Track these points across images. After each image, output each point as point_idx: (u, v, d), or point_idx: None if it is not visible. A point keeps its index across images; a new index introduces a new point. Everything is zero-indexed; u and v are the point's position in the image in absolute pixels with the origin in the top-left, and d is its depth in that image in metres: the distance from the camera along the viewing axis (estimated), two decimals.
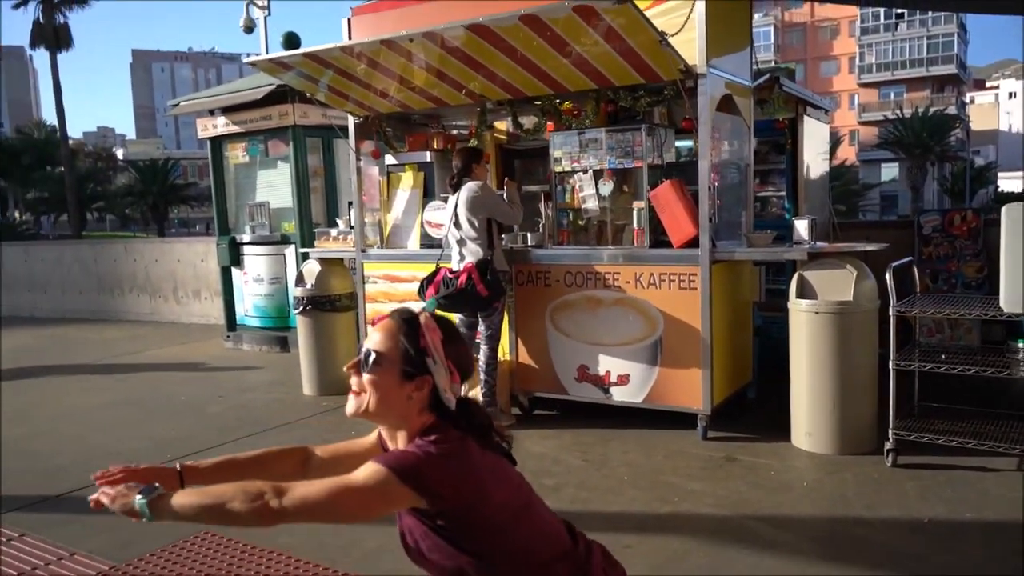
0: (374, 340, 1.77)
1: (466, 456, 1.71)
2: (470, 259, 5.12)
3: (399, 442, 1.80)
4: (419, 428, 1.75)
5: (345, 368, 1.79)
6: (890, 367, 4.15)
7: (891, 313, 4.14)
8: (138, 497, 1.62)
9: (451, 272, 5.15)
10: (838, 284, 4.41)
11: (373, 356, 1.75)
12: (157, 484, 1.68)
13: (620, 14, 4.12)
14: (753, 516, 3.67)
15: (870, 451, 4.38)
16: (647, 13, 4.31)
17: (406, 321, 1.78)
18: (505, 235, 5.71)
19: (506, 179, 5.63)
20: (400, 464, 1.64)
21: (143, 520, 1.64)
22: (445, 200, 5.54)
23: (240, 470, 1.84)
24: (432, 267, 5.33)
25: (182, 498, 1.62)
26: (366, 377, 1.75)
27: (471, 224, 5.11)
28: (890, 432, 4.19)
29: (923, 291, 4.71)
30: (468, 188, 5.16)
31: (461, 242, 5.19)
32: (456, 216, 5.18)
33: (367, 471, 1.63)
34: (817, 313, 4.40)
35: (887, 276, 4.18)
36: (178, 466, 1.82)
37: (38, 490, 4.38)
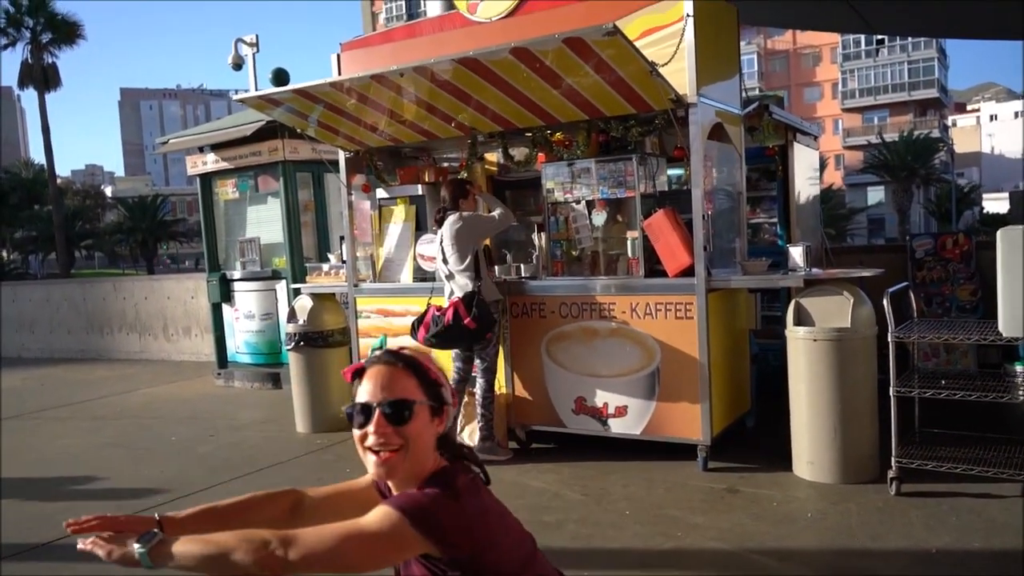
0: (392, 389, 1.66)
1: (478, 499, 1.64)
2: (458, 293, 5.07)
3: (404, 486, 1.71)
4: (432, 471, 1.68)
5: (370, 432, 1.65)
6: (891, 394, 4.11)
7: (890, 339, 4.12)
8: (136, 545, 1.55)
9: (438, 309, 5.10)
10: (835, 310, 4.38)
11: (408, 404, 1.65)
12: (156, 530, 1.61)
13: (610, 45, 4.13)
14: (758, 550, 3.60)
15: (872, 479, 4.33)
16: (637, 44, 4.33)
17: (404, 360, 1.71)
18: (498, 266, 5.68)
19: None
20: (413, 508, 1.56)
21: (142, 568, 1.57)
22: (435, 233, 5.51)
23: (222, 519, 1.74)
24: (424, 305, 5.30)
25: (183, 546, 1.54)
26: (405, 429, 1.64)
27: (456, 257, 5.07)
28: (893, 460, 4.14)
29: (918, 316, 4.69)
30: (449, 221, 5.12)
31: (449, 276, 5.15)
32: (443, 251, 5.14)
33: (378, 516, 1.55)
34: (815, 340, 4.37)
35: (885, 302, 4.16)
36: (156, 516, 1.72)
37: (26, 537, 4.28)
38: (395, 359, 1.71)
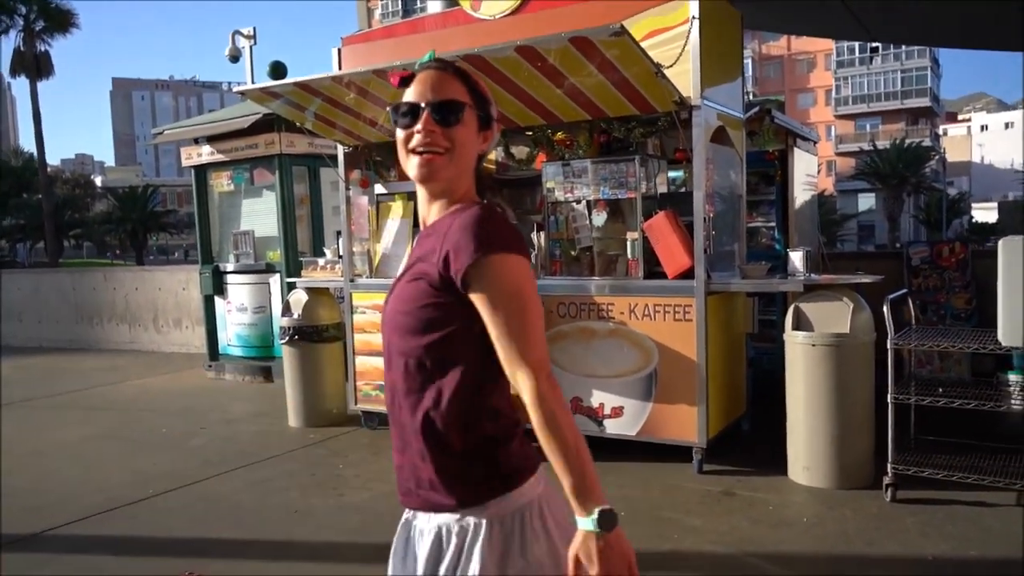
0: (443, 90, 1.55)
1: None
2: None
3: (438, 206, 1.60)
4: (464, 193, 1.60)
5: (416, 131, 1.54)
6: (888, 401, 4.11)
7: (889, 346, 4.12)
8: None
9: None
10: (834, 316, 4.38)
11: (458, 105, 1.54)
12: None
13: (616, 46, 4.12)
14: (756, 553, 3.60)
15: (868, 485, 4.33)
16: (642, 45, 4.32)
17: (455, 68, 1.61)
18: None
19: None
20: (500, 241, 1.46)
21: None
22: None
23: None
24: None
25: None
26: (453, 131, 1.53)
27: None
28: (889, 467, 4.14)
29: (914, 323, 4.71)
30: None
31: None
32: None
33: (499, 271, 1.45)
34: (814, 345, 4.37)
35: (885, 309, 4.16)
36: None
37: (16, 528, 4.23)
38: (446, 65, 1.61)
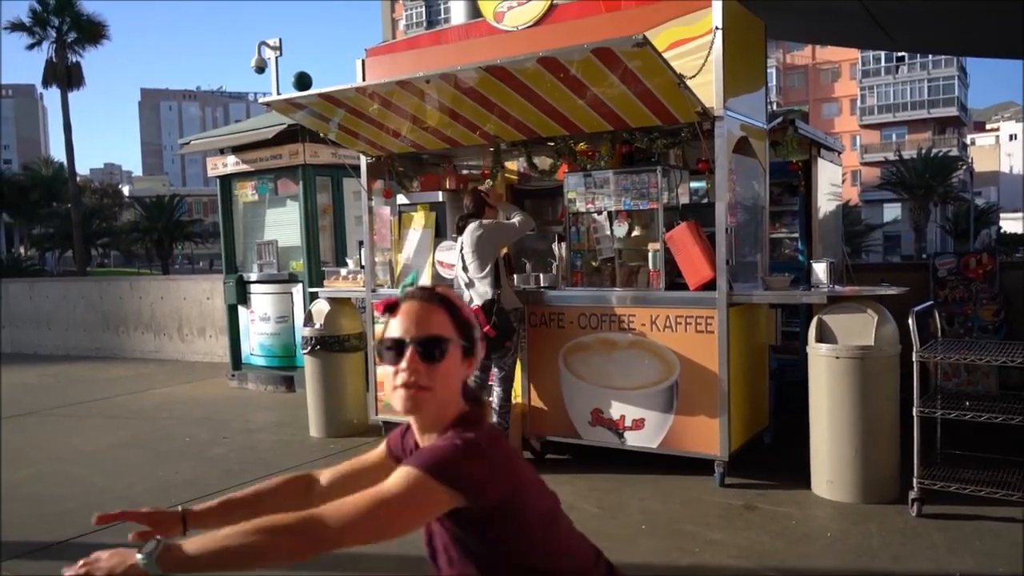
0: (426, 324, 1.61)
1: (502, 444, 1.60)
2: (477, 301, 5.05)
3: (428, 437, 1.66)
4: (455, 417, 1.63)
5: (403, 367, 1.59)
6: (914, 414, 4.05)
7: (914, 359, 4.06)
8: (139, 556, 1.42)
9: None
10: (858, 328, 4.33)
11: (441, 341, 1.60)
12: (158, 537, 1.48)
13: (638, 57, 4.11)
14: (778, 568, 3.55)
15: (893, 500, 4.27)
16: (665, 56, 4.31)
17: (438, 297, 1.66)
18: (517, 275, 5.66)
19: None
20: (436, 462, 1.50)
21: None
22: (455, 241, 5.50)
23: (244, 508, 1.70)
24: None
25: (196, 545, 1.42)
26: (436, 367, 1.59)
27: (477, 264, 5.06)
28: (915, 481, 4.08)
29: (940, 335, 4.64)
30: (470, 229, 5.12)
31: (469, 284, 5.13)
32: (463, 258, 5.13)
33: (400, 477, 1.49)
34: (838, 358, 4.32)
35: (911, 321, 4.11)
36: (180, 509, 1.66)
37: (41, 536, 4.28)
38: (430, 295, 1.66)
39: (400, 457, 1.74)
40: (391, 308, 1.66)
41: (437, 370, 1.59)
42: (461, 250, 5.15)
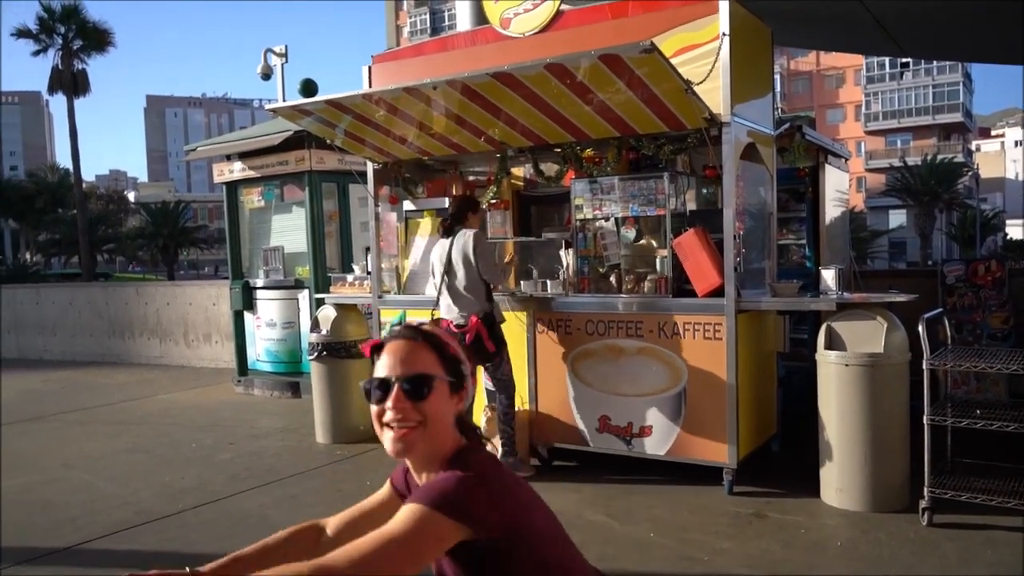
0: (412, 363, 1.61)
1: (503, 474, 1.60)
2: (467, 311, 5.01)
3: (427, 474, 1.65)
4: (452, 451, 1.63)
5: (388, 408, 1.59)
6: (925, 422, 4.03)
7: (925, 366, 4.03)
8: None
9: (456, 327, 4.99)
10: (868, 335, 4.31)
11: (427, 379, 1.59)
12: None
13: (646, 63, 4.10)
14: None
15: (903, 509, 4.24)
16: (672, 62, 4.30)
17: (423, 335, 1.66)
18: (524, 281, 5.65)
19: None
20: (439, 497, 1.49)
21: None
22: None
23: (253, 564, 1.67)
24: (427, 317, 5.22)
25: None
26: (424, 405, 1.59)
27: (468, 273, 5.02)
28: (925, 490, 4.05)
29: (950, 342, 4.61)
30: (464, 235, 5.06)
31: (452, 289, 5.08)
32: (450, 263, 5.09)
33: (406, 516, 1.48)
34: (847, 365, 4.29)
35: (921, 328, 4.08)
36: (187, 570, 1.64)
37: (48, 542, 4.27)
38: (415, 334, 1.66)
39: (405, 494, 1.75)
40: (377, 349, 1.67)
41: (425, 408, 1.59)
42: (449, 255, 5.08)
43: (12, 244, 50.53)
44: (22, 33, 36.51)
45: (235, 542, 4.22)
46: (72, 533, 4.37)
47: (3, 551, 4.13)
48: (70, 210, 46.27)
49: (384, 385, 1.61)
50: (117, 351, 12.13)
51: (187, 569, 1.63)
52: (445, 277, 5.10)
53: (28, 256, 49.80)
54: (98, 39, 37.59)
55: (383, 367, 1.63)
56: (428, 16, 57.42)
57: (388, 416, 1.60)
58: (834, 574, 3.58)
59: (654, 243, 5.24)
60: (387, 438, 1.62)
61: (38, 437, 7.03)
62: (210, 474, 5.55)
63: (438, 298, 5.18)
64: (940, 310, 4.60)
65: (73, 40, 37.14)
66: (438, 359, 1.63)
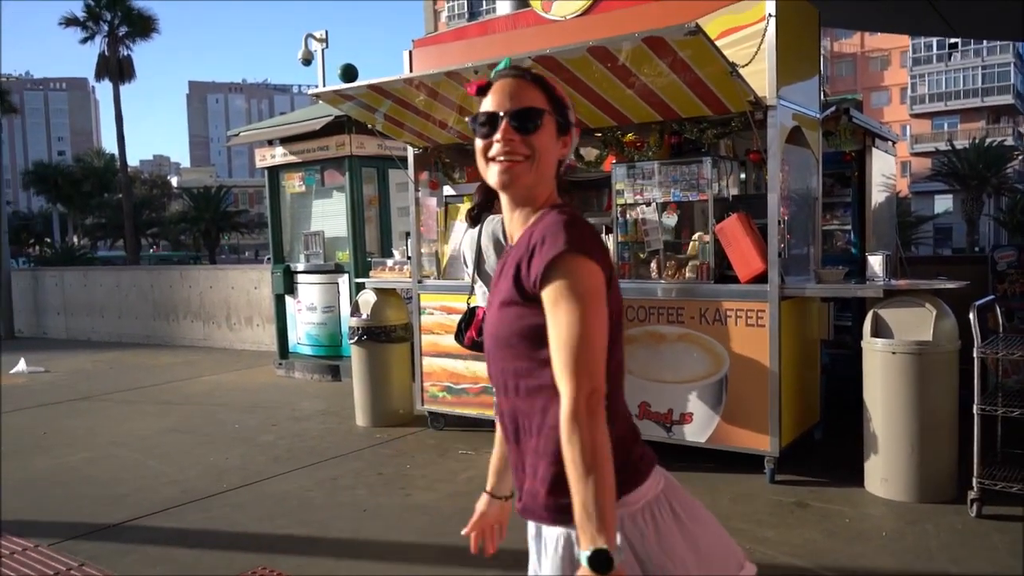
0: (520, 98, 1.54)
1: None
2: None
3: (520, 212, 1.59)
4: (546, 199, 1.58)
5: (495, 141, 1.53)
6: (974, 412, 3.94)
7: (975, 355, 3.95)
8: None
9: None
10: (916, 323, 4.22)
11: (536, 112, 1.53)
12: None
13: (690, 45, 4.04)
14: (833, 568, 3.48)
15: (950, 500, 4.16)
16: (717, 44, 4.23)
17: (531, 74, 1.60)
18: None
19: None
20: (569, 242, 1.42)
21: None
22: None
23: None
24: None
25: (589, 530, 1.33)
26: (532, 138, 1.52)
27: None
28: (974, 480, 3.97)
29: (1001, 331, 4.50)
30: (492, 221, 4.95)
31: (485, 276, 5.00)
32: (480, 250, 5.01)
33: (562, 285, 1.40)
34: (894, 353, 4.21)
35: (972, 316, 3.99)
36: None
37: (98, 518, 4.38)
38: (523, 72, 1.60)
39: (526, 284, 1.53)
40: (483, 89, 1.61)
41: (533, 141, 1.54)
42: (478, 243, 5.00)
43: (60, 227, 51.67)
44: (70, 21, 37.23)
45: (277, 522, 4.31)
46: (122, 510, 4.48)
47: (52, 526, 4.25)
48: (115, 194, 47.24)
49: (491, 120, 1.55)
50: (162, 333, 12.37)
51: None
52: (477, 264, 5.07)
53: (75, 239, 50.94)
54: (143, 25, 38.23)
55: (490, 103, 1.57)
56: (465, 0, 57.25)
57: (495, 149, 1.54)
58: (880, 565, 3.53)
59: (696, 228, 5.17)
60: (492, 171, 1.56)
61: (88, 416, 7.21)
62: (253, 454, 5.64)
63: (472, 286, 5.17)
64: (991, 297, 4.49)
65: (119, 27, 37.80)
66: (546, 97, 1.58)
